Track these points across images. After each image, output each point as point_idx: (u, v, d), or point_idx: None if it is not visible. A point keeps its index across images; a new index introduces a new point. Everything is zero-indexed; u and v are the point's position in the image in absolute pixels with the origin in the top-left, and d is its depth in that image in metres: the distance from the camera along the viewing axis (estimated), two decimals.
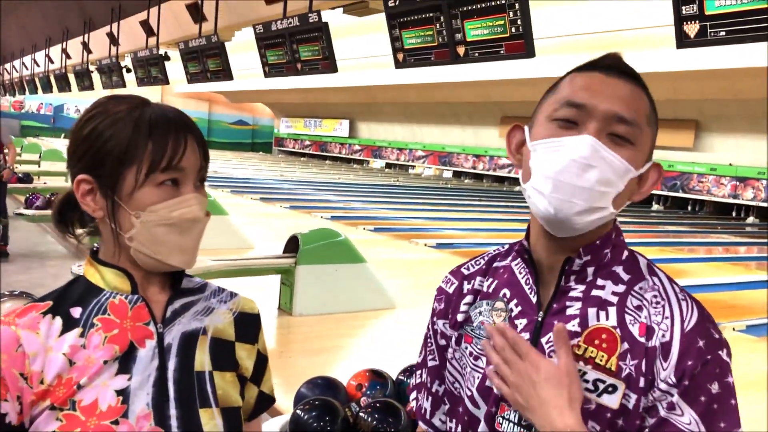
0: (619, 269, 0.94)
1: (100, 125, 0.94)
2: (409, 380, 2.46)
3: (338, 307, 5.11)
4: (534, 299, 0.96)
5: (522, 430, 0.92)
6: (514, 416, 0.93)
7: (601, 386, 0.88)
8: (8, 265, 6.33)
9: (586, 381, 0.89)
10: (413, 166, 25.10)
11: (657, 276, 0.95)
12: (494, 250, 1.08)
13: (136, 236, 0.93)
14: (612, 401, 0.87)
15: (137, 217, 0.92)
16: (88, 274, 0.98)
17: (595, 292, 0.93)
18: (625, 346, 0.89)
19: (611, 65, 0.94)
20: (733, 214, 16.18)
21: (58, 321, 0.92)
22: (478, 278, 1.05)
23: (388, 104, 23.40)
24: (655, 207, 17.30)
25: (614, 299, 0.92)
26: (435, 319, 1.08)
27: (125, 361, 0.92)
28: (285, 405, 3.17)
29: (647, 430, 0.87)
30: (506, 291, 1.00)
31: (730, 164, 15.35)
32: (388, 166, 26.04)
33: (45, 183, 10.26)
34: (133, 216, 0.92)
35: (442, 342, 1.07)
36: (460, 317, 1.04)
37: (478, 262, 1.08)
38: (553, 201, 0.89)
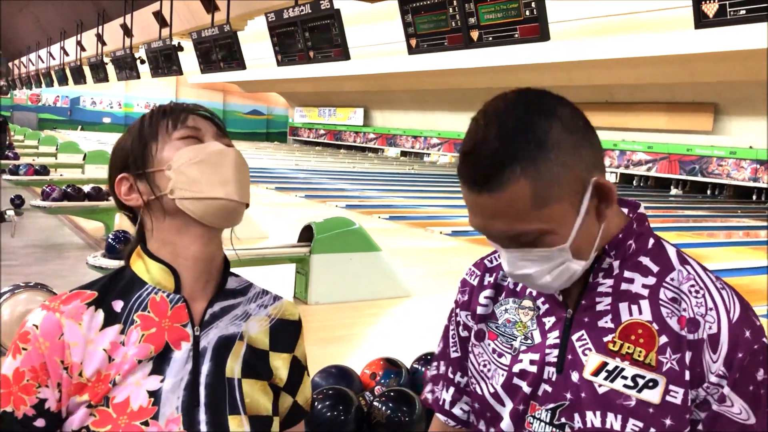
0: (646, 260, 0.92)
1: (124, 136, 1.01)
2: (423, 369, 2.43)
3: (353, 296, 5.11)
4: (560, 297, 0.95)
5: (555, 429, 0.91)
6: (546, 415, 0.92)
7: (641, 382, 0.87)
8: (26, 257, 6.39)
9: (624, 378, 0.88)
10: (428, 154, 25.02)
11: (689, 264, 0.92)
12: None
13: (174, 185, 0.93)
14: (653, 396, 0.86)
15: (169, 168, 0.94)
16: (135, 266, 0.97)
17: (624, 286, 0.91)
18: (664, 339, 0.87)
19: (467, 179, 0.88)
20: (754, 197, 15.97)
21: (101, 314, 0.91)
22: (501, 272, 1.03)
23: (402, 92, 23.32)
24: (673, 191, 17.12)
25: (645, 292, 0.90)
26: (458, 310, 1.07)
27: (159, 362, 0.91)
28: None
29: (701, 425, 0.87)
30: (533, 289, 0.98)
31: (750, 147, 15.13)
32: (403, 154, 25.98)
33: (61, 175, 10.35)
34: (165, 170, 0.94)
35: (465, 333, 1.06)
36: (480, 310, 1.03)
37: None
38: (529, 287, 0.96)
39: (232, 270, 1.05)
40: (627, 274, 0.92)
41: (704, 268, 0.92)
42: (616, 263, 0.92)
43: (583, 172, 0.86)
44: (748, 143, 15.18)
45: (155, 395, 0.89)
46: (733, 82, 13.94)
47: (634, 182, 18.52)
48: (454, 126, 23.00)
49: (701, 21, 3.86)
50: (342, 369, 2.41)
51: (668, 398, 0.86)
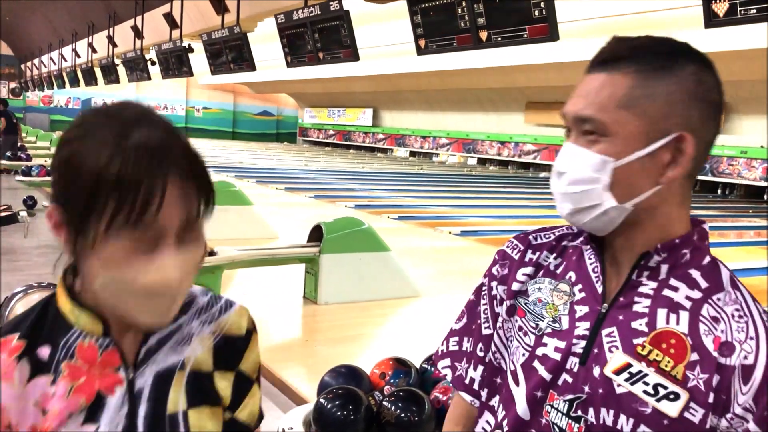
0: (697, 274, 0.90)
1: (78, 150, 0.79)
2: (432, 368, 2.44)
3: (363, 296, 5.12)
4: (600, 289, 0.93)
5: (571, 421, 0.90)
6: (564, 406, 0.90)
7: (662, 392, 0.85)
8: (38, 257, 6.44)
9: (646, 384, 0.86)
10: (437, 154, 25.00)
11: (740, 291, 0.90)
12: (565, 228, 1.04)
13: (100, 290, 0.81)
14: (672, 409, 0.84)
15: (101, 267, 0.79)
16: (60, 302, 0.87)
17: (667, 293, 0.89)
18: (695, 356, 0.85)
19: (593, 61, 0.91)
20: (765, 197, 15.86)
21: (28, 365, 0.84)
22: (545, 252, 1.01)
23: (411, 92, 23.31)
24: None
25: (688, 304, 0.88)
26: (494, 284, 1.04)
27: (93, 410, 0.84)
28: (309, 394, 3.17)
29: None
30: (572, 274, 0.96)
31: (762, 146, 15.03)
32: (412, 154, 25.97)
33: None
34: (97, 262, 0.79)
35: (499, 309, 1.03)
36: (515, 286, 1.00)
37: (547, 236, 1.03)
38: (557, 207, 0.94)
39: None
40: (673, 282, 0.89)
41: (754, 299, 0.90)
42: (664, 267, 0.90)
43: (678, 118, 0.86)
44: (759, 143, 15.07)
45: None
46: (744, 81, 13.85)
47: None
48: (463, 126, 22.97)
49: (711, 20, 3.86)
50: (352, 369, 2.42)
51: (687, 414, 0.84)
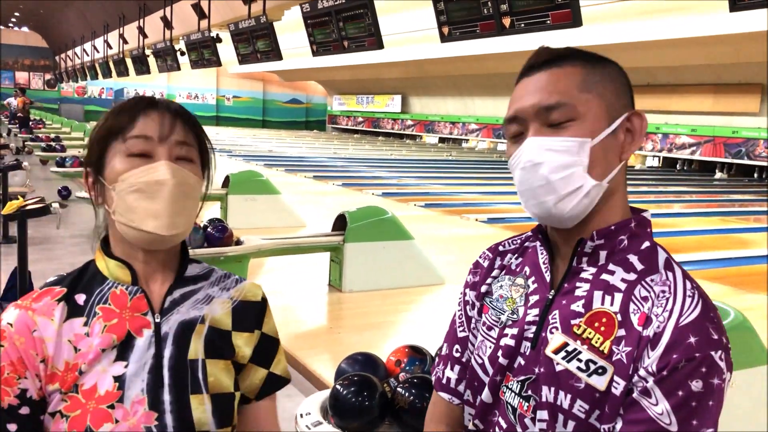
0: (634, 258, 0.95)
1: (99, 121, 1.03)
2: None
3: (387, 284, 5.17)
4: (548, 278, 0.99)
5: (522, 400, 0.96)
6: (516, 386, 0.97)
7: (592, 367, 0.90)
8: (72, 246, 6.61)
9: (580, 360, 0.91)
10: (467, 140, 24.89)
11: (672, 271, 0.93)
12: (531, 231, 1.11)
13: (116, 208, 0.97)
14: (600, 383, 0.89)
15: (113, 189, 0.97)
16: (98, 261, 1.03)
17: (604, 276, 0.94)
18: (622, 332, 0.90)
19: (531, 65, 0.97)
20: None
21: (66, 307, 0.98)
22: (509, 256, 1.09)
23: (440, 78, 23.20)
24: (718, 175, 16.71)
25: (622, 286, 0.93)
26: (468, 290, 1.12)
27: (123, 350, 0.97)
28: (330, 380, 3.23)
29: (621, 410, 0.88)
30: (527, 269, 1.04)
31: None
32: (441, 140, 25.89)
33: None
34: (110, 189, 0.97)
35: (472, 313, 1.11)
36: (483, 289, 1.09)
37: (515, 241, 1.11)
38: (532, 209, 0.96)
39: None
40: (611, 266, 0.95)
41: (687, 277, 0.93)
42: (603, 253, 0.95)
43: (625, 99, 0.97)
44: None
45: (120, 380, 0.95)
46: None
47: (678, 166, 18.13)
48: (493, 111, 22.79)
49: (736, 3, 3.79)
50: (368, 356, 2.47)
51: (612, 388, 0.88)
